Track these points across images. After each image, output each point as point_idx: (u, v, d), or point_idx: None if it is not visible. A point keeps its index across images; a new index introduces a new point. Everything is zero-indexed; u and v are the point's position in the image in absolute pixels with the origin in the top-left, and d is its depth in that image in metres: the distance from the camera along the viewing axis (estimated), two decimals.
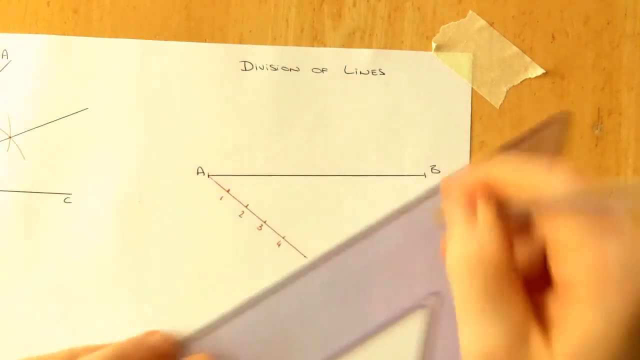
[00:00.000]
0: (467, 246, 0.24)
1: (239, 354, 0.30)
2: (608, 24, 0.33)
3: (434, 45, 0.33)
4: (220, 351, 0.30)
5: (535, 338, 0.21)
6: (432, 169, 0.33)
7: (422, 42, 0.33)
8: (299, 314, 0.31)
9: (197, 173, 0.32)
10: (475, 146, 0.33)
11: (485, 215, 0.24)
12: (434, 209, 0.28)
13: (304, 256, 0.32)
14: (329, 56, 0.33)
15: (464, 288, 0.24)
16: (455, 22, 0.33)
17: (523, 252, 0.24)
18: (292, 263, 0.32)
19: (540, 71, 0.32)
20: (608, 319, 0.20)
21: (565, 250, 0.22)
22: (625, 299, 0.20)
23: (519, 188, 0.24)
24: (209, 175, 0.32)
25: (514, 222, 0.24)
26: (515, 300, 0.22)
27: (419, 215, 0.29)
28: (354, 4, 0.33)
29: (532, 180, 0.23)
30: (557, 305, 0.22)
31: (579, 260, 0.21)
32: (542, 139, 0.32)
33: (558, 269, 0.23)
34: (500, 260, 0.23)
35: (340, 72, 0.33)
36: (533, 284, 0.23)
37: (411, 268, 0.31)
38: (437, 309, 0.29)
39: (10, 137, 0.32)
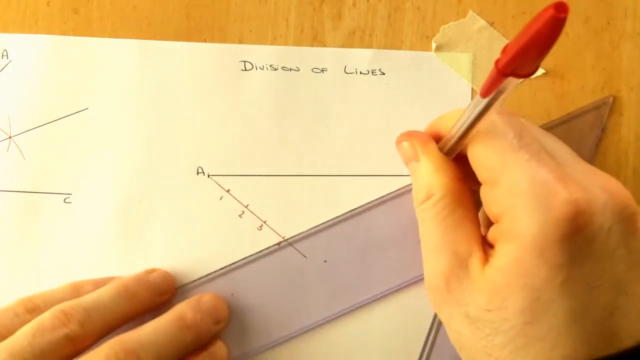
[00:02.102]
0: (417, 190, 0.26)
1: (254, 294, 0.31)
2: (608, 24, 0.33)
3: (434, 45, 0.33)
4: (236, 290, 0.31)
5: (474, 261, 0.23)
6: None
7: (422, 42, 0.33)
8: (317, 267, 0.31)
9: (197, 173, 0.32)
10: None
11: (424, 160, 0.26)
12: None
13: (304, 256, 0.32)
14: (329, 56, 0.33)
15: (421, 228, 0.26)
16: (455, 22, 0.33)
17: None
18: (292, 263, 0.32)
19: (540, 71, 0.32)
20: (520, 244, 0.22)
21: (484, 183, 0.24)
22: (533, 224, 0.21)
23: (446, 130, 0.26)
24: (209, 175, 0.32)
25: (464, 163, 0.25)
26: (460, 231, 0.24)
27: None
28: (354, 4, 0.33)
29: (449, 121, 0.26)
30: (492, 231, 0.24)
31: (495, 190, 0.23)
32: (585, 122, 0.32)
33: (484, 200, 0.24)
34: (443, 197, 0.25)
35: (340, 72, 0.33)
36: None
37: None
38: None
39: (10, 137, 0.32)
